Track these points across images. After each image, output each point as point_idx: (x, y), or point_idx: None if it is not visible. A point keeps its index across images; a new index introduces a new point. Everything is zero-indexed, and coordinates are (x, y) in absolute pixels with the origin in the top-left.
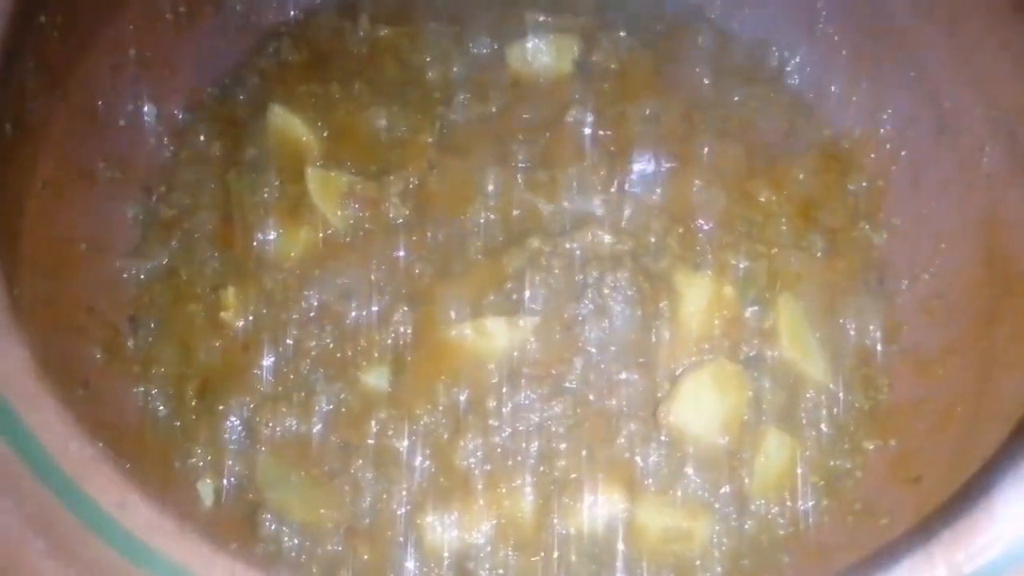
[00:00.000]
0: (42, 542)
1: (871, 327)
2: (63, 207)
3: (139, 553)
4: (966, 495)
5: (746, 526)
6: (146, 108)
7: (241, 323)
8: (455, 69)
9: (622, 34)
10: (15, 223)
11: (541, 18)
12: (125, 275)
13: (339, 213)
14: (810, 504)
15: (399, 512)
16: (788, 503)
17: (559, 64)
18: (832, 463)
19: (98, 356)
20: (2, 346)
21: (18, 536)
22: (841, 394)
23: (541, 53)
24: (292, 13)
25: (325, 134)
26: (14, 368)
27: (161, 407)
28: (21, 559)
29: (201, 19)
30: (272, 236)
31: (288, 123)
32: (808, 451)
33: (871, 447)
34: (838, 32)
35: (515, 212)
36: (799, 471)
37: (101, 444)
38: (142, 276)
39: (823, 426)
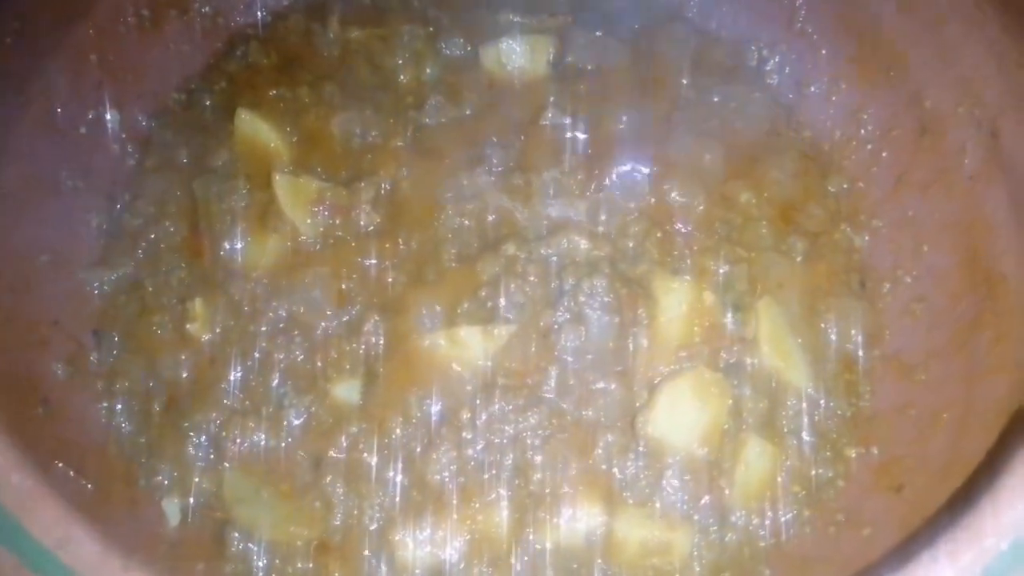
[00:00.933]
0: None
1: (853, 332)
2: (24, 218)
3: None
4: (951, 507)
5: (727, 538)
6: (109, 115)
7: (208, 336)
8: (428, 71)
9: (598, 34)
10: None
11: (515, 18)
12: (89, 287)
13: (308, 221)
14: (791, 515)
15: (371, 528)
16: (769, 514)
17: (534, 65)
18: (814, 472)
19: (60, 372)
20: None
21: None
22: (823, 401)
23: (516, 54)
24: (260, 15)
25: (294, 139)
26: None
27: (126, 423)
28: None
29: (165, 22)
30: (240, 245)
31: (256, 128)
32: (789, 460)
33: (853, 455)
34: (817, 31)
35: (490, 218)
36: (780, 480)
37: (60, 464)
38: (106, 288)
39: (805, 434)
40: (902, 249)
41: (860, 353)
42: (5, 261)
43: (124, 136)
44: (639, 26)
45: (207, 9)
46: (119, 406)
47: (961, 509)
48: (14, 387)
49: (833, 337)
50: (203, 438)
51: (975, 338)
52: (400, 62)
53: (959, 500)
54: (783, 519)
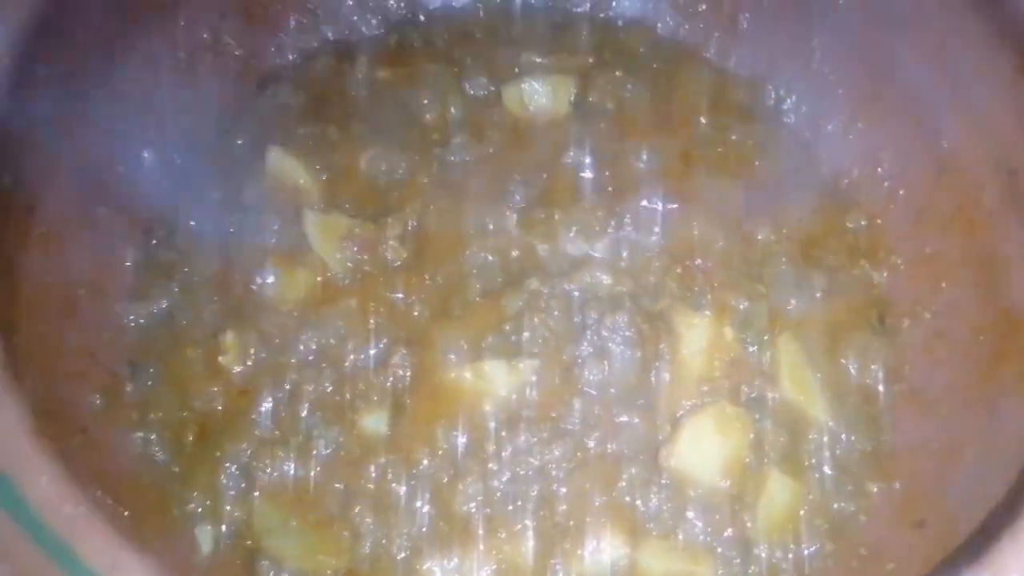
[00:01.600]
0: None
1: (873, 367)
2: (63, 253)
3: None
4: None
5: (750, 571)
6: (146, 154)
7: (239, 368)
8: (453, 110)
9: (618, 74)
10: (14, 272)
11: (538, 59)
12: (125, 320)
13: (337, 256)
14: (814, 548)
15: (399, 557)
16: (792, 547)
17: (556, 105)
18: (836, 506)
19: (97, 402)
20: (1, 404)
21: None
22: (844, 435)
23: (538, 94)
24: (291, 57)
25: (323, 176)
26: (9, 430)
27: (159, 453)
28: None
29: (201, 64)
30: (271, 280)
31: (286, 166)
32: (811, 494)
33: (875, 490)
34: (833, 71)
35: (513, 253)
36: (802, 515)
37: (99, 492)
38: (141, 321)
39: (826, 468)
40: (922, 285)
41: (881, 388)
42: (45, 294)
43: (159, 174)
44: (658, 66)
45: (240, 52)
46: (153, 436)
47: (981, 545)
48: (55, 417)
49: (853, 372)
50: (234, 468)
51: (997, 373)
52: (425, 101)
53: (979, 536)
54: (806, 553)
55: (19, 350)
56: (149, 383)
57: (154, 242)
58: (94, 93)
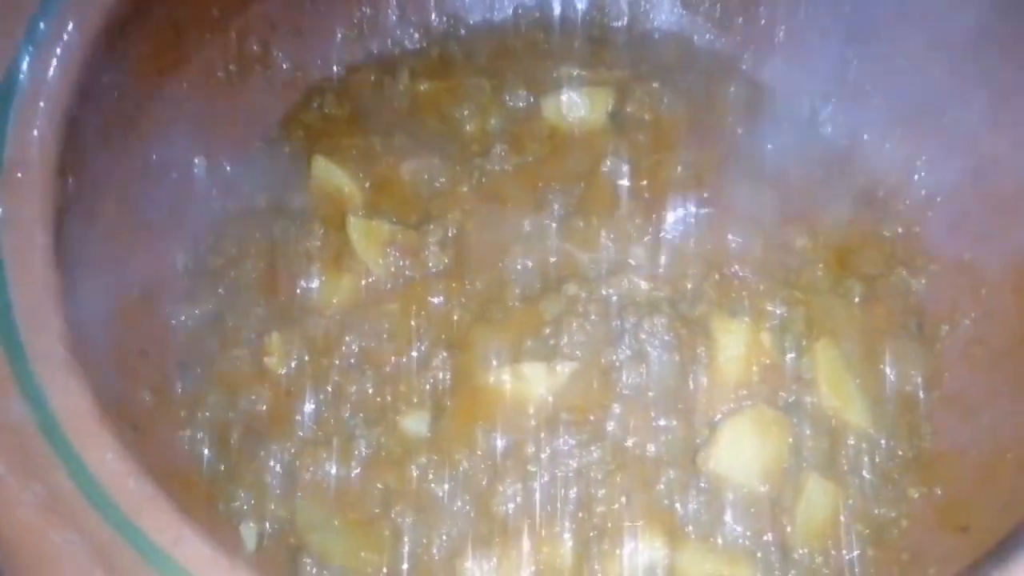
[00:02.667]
0: (103, 574)
1: (912, 373)
2: (119, 255)
3: None
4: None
5: (790, 575)
6: (197, 161)
7: (284, 369)
8: (492, 122)
9: (655, 85)
10: (75, 271)
11: (575, 72)
12: (174, 321)
13: (380, 261)
14: (855, 553)
15: (438, 557)
16: (832, 552)
17: (594, 116)
18: (877, 511)
19: (148, 399)
20: (68, 387)
21: (84, 567)
22: (883, 441)
23: (576, 105)
24: (335, 69)
25: (367, 185)
26: (77, 409)
27: (206, 450)
28: None
29: (250, 77)
30: (315, 284)
31: (331, 174)
32: (851, 499)
33: (916, 495)
34: (869, 81)
35: (552, 260)
36: (842, 519)
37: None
38: (190, 323)
39: (866, 473)
40: (960, 292)
41: (920, 394)
42: (103, 294)
43: (210, 181)
44: (694, 78)
45: (287, 65)
46: (200, 434)
47: (1012, 549)
48: (109, 410)
49: (892, 378)
50: (278, 466)
51: None
52: (466, 113)
53: (1012, 539)
54: (847, 557)
55: (79, 347)
56: (197, 383)
57: (203, 248)
58: (150, 102)
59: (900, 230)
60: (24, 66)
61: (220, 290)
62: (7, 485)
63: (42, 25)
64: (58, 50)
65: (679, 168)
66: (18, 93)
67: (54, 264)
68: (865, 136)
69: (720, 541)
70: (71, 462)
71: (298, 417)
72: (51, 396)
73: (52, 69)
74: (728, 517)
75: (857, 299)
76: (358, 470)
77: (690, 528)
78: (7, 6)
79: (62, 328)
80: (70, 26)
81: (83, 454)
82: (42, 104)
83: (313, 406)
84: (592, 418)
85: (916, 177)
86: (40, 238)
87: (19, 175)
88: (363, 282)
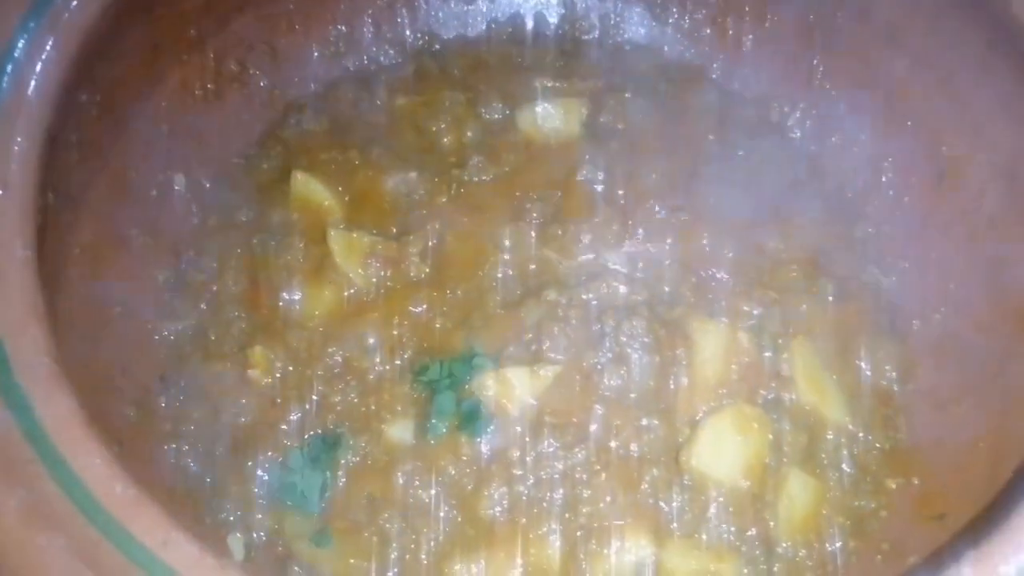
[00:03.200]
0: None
1: (886, 368)
2: (98, 271)
3: None
4: (988, 519)
5: (774, 569)
6: (176, 178)
7: (268, 380)
8: (469, 134)
9: (627, 95)
10: (54, 287)
11: (549, 84)
12: (156, 336)
13: (361, 272)
14: (837, 545)
15: (427, 562)
16: (815, 545)
17: (568, 126)
18: (856, 503)
19: (131, 415)
20: (53, 396)
21: (72, 570)
22: (861, 434)
23: (550, 116)
24: (312, 86)
25: (346, 198)
26: (63, 416)
27: (192, 463)
28: None
29: (228, 94)
30: (297, 296)
31: (311, 188)
32: (832, 492)
33: (894, 486)
34: (835, 86)
35: (531, 267)
36: (824, 512)
37: None
38: (172, 337)
39: (845, 467)
40: (930, 289)
41: (895, 388)
42: (82, 311)
43: (189, 197)
44: (666, 87)
45: (264, 82)
46: (185, 447)
47: (988, 526)
48: (93, 427)
49: (868, 373)
50: (265, 477)
51: (1006, 370)
52: (443, 126)
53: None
54: (829, 549)
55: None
56: (180, 397)
57: (183, 263)
58: (129, 119)
59: (870, 230)
60: (4, 84)
61: (202, 305)
62: None
63: (21, 43)
64: (37, 68)
65: (653, 175)
66: None
67: (36, 279)
68: (833, 140)
69: (705, 538)
70: (56, 467)
71: (283, 427)
72: (36, 405)
73: (32, 87)
74: (712, 514)
75: (830, 298)
76: (344, 479)
77: (675, 526)
78: None
79: (46, 341)
80: (49, 44)
81: (69, 459)
82: (22, 122)
83: (298, 416)
84: (575, 420)
85: (884, 179)
86: (21, 252)
87: (0, 192)
88: (345, 293)
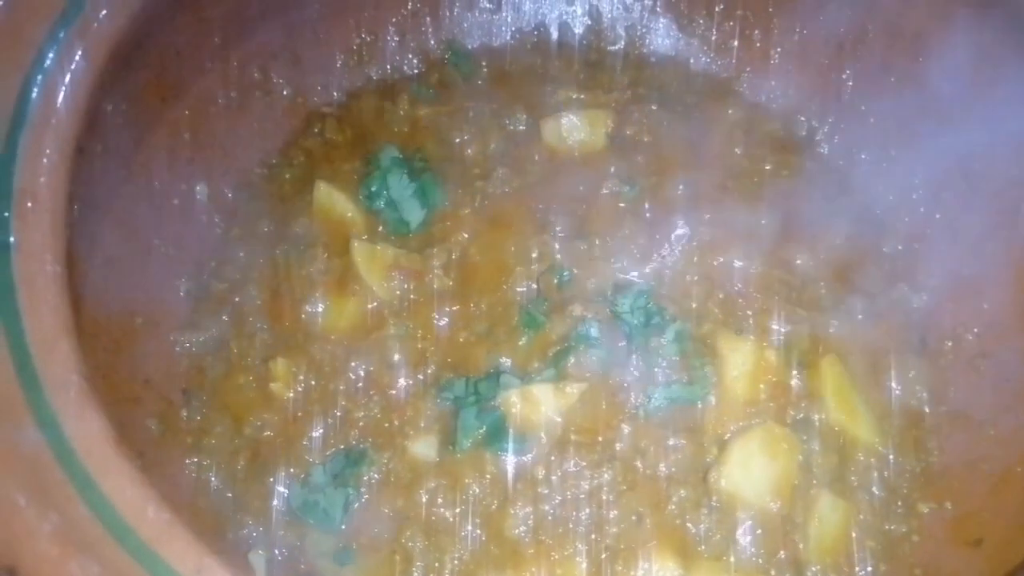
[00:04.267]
0: None
1: (917, 388)
2: (121, 282)
3: None
4: None
5: None
6: (199, 188)
7: (291, 394)
8: (493, 145)
9: (653, 108)
10: (78, 297)
11: (574, 95)
12: (178, 348)
13: (384, 285)
14: (868, 569)
15: None
16: (845, 568)
17: (593, 138)
18: (887, 527)
19: (153, 428)
20: (83, 414)
21: None
22: (892, 456)
23: (575, 128)
24: (335, 95)
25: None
26: (93, 437)
27: (213, 478)
28: None
29: (251, 103)
30: (320, 308)
31: (333, 199)
32: (862, 514)
33: (926, 510)
34: (865, 101)
35: (555, 280)
36: (854, 535)
37: None
38: (194, 349)
39: (875, 489)
40: (962, 307)
41: (926, 409)
42: (105, 322)
43: (211, 207)
44: (692, 100)
45: (287, 91)
46: (207, 461)
47: None
48: (122, 446)
49: (898, 393)
50: (287, 492)
51: None
52: (466, 137)
53: None
54: (860, 573)
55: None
56: (203, 410)
57: (206, 273)
58: (152, 129)
59: (900, 247)
60: (34, 96)
61: (224, 316)
62: (26, 516)
63: (51, 54)
64: (67, 79)
65: (679, 188)
66: (28, 123)
67: (66, 294)
68: (863, 155)
69: (733, 559)
70: (89, 491)
71: (305, 442)
72: (66, 425)
73: (60, 99)
74: (740, 535)
75: (860, 316)
76: (366, 496)
77: (703, 547)
78: (17, 36)
79: (75, 357)
80: (78, 54)
81: (100, 483)
82: (51, 133)
83: (320, 431)
84: (601, 439)
85: (914, 195)
86: (51, 266)
87: (29, 204)
88: (368, 306)
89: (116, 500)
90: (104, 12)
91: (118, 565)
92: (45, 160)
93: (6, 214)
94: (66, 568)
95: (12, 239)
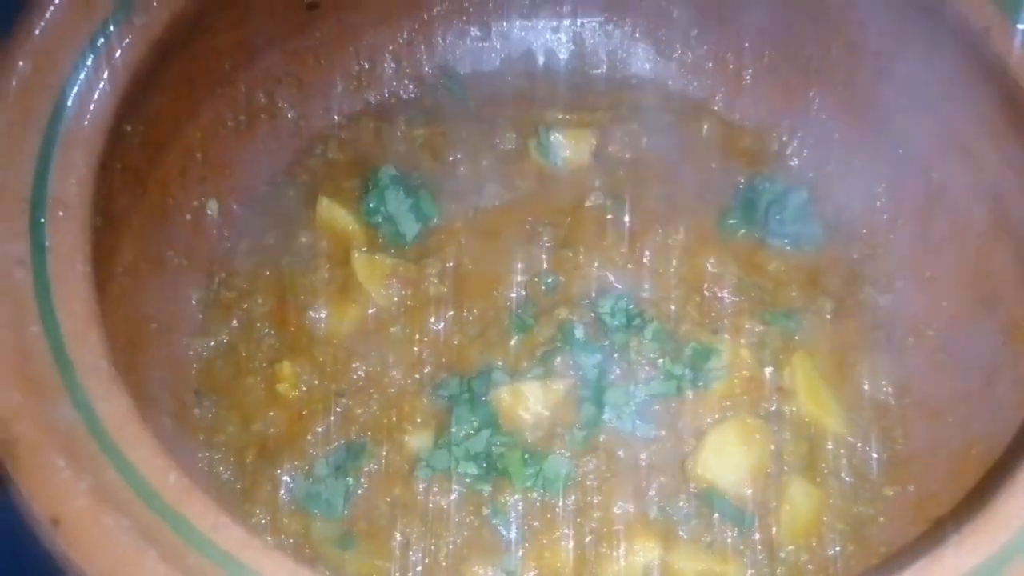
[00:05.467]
0: (154, 551)
1: (883, 382)
2: (138, 290)
3: (233, 564)
4: (968, 505)
5: (777, 572)
6: (209, 204)
7: (296, 394)
8: (484, 163)
9: (635, 126)
10: (100, 304)
11: (560, 115)
12: (191, 352)
13: (383, 292)
14: (837, 550)
15: (446, 564)
16: (816, 549)
17: (578, 155)
18: (856, 510)
19: (168, 424)
20: (112, 395)
21: (136, 545)
22: (859, 445)
23: (561, 146)
24: (336, 118)
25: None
26: (120, 414)
27: (223, 471)
28: (140, 562)
29: (257, 126)
30: (323, 314)
31: (335, 214)
32: (832, 499)
33: (891, 493)
34: (831, 117)
35: (543, 287)
36: (824, 519)
37: None
38: (205, 353)
39: (844, 475)
40: (923, 306)
41: (891, 401)
42: (123, 327)
43: (221, 222)
44: (670, 119)
45: (292, 115)
46: (218, 456)
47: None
48: (147, 424)
49: (865, 387)
50: (291, 484)
51: (995, 381)
52: (459, 155)
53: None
54: (830, 553)
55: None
56: (213, 408)
57: (216, 282)
58: (167, 148)
59: (865, 251)
60: (67, 114)
61: (233, 322)
62: (66, 478)
63: (81, 77)
64: (94, 101)
65: (659, 200)
66: (60, 140)
67: (93, 291)
68: (829, 167)
69: (710, 540)
70: (117, 459)
71: (309, 438)
72: (97, 404)
73: (87, 119)
74: (717, 520)
75: (829, 315)
76: (366, 486)
77: (682, 531)
78: (51, 61)
79: (104, 345)
80: (104, 79)
81: (128, 453)
82: (79, 150)
83: (323, 427)
84: (586, 431)
85: (878, 203)
86: (80, 266)
87: (61, 213)
88: (368, 312)
89: (142, 467)
90: (128, 40)
91: (146, 521)
92: (74, 174)
93: (42, 220)
94: (101, 520)
95: (47, 243)
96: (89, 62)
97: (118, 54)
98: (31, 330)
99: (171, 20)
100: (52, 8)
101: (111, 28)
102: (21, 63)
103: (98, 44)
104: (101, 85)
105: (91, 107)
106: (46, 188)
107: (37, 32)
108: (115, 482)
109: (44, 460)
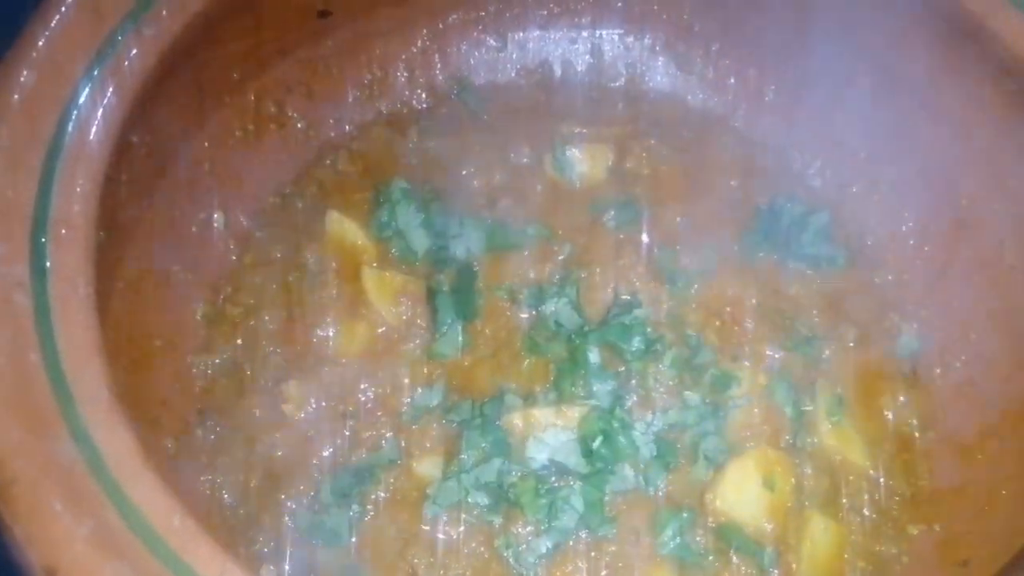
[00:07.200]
0: None
1: (907, 414)
2: (142, 305)
3: None
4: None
5: None
6: (216, 216)
7: (302, 415)
8: (497, 177)
9: (653, 142)
10: (101, 320)
11: (576, 129)
12: (194, 370)
13: (393, 310)
14: None
15: None
16: None
17: (594, 171)
18: (878, 548)
19: (170, 447)
20: (112, 428)
21: None
22: (882, 480)
23: (577, 161)
24: (347, 128)
25: (379, 237)
26: (122, 450)
27: (227, 495)
28: None
29: (266, 136)
30: (331, 332)
31: (344, 228)
32: (853, 536)
33: (916, 532)
34: (855, 138)
35: (555, 308)
36: (846, 556)
37: None
38: (210, 371)
39: (866, 511)
40: (950, 336)
41: (916, 434)
42: (125, 343)
43: (227, 234)
44: (689, 135)
45: (301, 124)
46: (221, 479)
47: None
48: (149, 459)
49: (889, 419)
50: (296, 510)
51: None
52: (472, 169)
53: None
54: None
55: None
56: (217, 429)
57: (222, 298)
58: (173, 160)
59: (890, 277)
60: (70, 129)
61: (238, 339)
62: (64, 522)
63: (87, 90)
64: (99, 113)
65: (677, 220)
66: (63, 154)
67: (96, 316)
68: (853, 189)
69: None
70: (119, 500)
71: (315, 461)
72: (97, 437)
73: (93, 132)
74: (735, 555)
75: (852, 343)
76: (373, 513)
77: (699, 567)
78: (57, 73)
79: (105, 375)
80: (110, 90)
81: (130, 493)
82: (83, 165)
83: (330, 451)
84: (601, 461)
85: (904, 228)
86: (83, 289)
87: (64, 231)
88: (378, 331)
89: (145, 509)
90: (135, 51)
91: (148, 569)
92: (78, 189)
93: (43, 240)
94: (101, 571)
95: (48, 264)
96: (96, 73)
97: (127, 64)
98: (30, 358)
99: (182, 30)
100: (58, 17)
101: (119, 38)
102: (25, 74)
103: (106, 54)
104: (108, 96)
105: (97, 119)
106: (49, 205)
107: (42, 43)
108: (116, 526)
109: (42, 502)
